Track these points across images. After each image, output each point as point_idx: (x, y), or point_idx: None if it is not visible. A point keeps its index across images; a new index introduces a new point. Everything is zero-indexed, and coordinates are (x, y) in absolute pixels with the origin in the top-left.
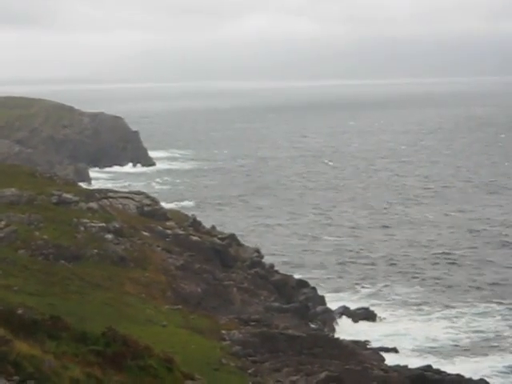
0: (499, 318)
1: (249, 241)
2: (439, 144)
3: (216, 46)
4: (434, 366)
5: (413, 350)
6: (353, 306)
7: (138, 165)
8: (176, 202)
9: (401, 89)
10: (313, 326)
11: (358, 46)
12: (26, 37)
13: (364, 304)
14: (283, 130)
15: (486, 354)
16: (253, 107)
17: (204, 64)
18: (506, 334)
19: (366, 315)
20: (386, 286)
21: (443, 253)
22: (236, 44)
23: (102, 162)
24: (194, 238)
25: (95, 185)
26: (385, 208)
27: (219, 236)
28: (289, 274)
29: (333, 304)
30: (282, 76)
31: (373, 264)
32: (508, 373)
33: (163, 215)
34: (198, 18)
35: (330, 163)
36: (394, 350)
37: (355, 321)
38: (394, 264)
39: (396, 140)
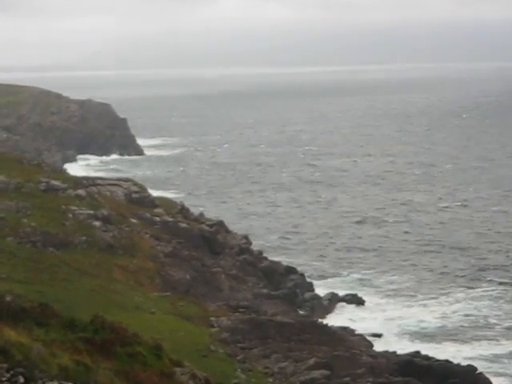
0: (489, 304)
1: (237, 227)
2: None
3: (192, 32)
4: (423, 352)
5: (401, 336)
6: (341, 293)
7: (126, 152)
8: (164, 189)
9: (376, 75)
10: (301, 312)
11: (335, 33)
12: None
13: (353, 290)
14: (264, 116)
15: (475, 341)
16: (235, 93)
17: (179, 51)
18: (495, 320)
19: (355, 301)
20: (374, 272)
21: (433, 239)
22: (211, 30)
23: (90, 148)
24: (183, 224)
25: (83, 172)
26: (374, 194)
27: (207, 223)
28: (277, 260)
29: (321, 290)
30: (255, 62)
31: (362, 250)
32: (496, 359)
33: (151, 202)
34: (172, 3)
35: (307, 148)
36: (383, 336)
37: (344, 307)
38: (383, 250)
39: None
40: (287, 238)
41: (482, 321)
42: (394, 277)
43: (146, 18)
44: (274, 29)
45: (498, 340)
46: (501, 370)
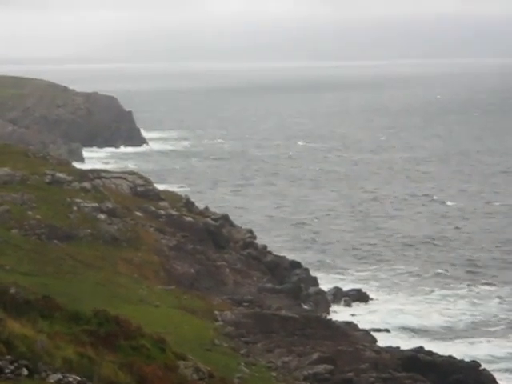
0: (495, 301)
1: (241, 221)
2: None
3: (200, 25)
4: (426, 348)
5: (405, 332)
6: (345, 287)
7: (131, 145)
8: (169, 183)
9: (376, 71)
10: (305, 306)
11: (341, 27)
12: (7, 16)
13: (357, 285)
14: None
15: (479, 336)
16: (239, 88)
17: (188, 44)
18: (497, 316)
19: (359, 296)
20: (379, 267)
21: (437, 234)
22: (219, 24)
23: (95, 142)
24: (188, 218)
25: (88, 165)
26: (374, 189)
27: (212, 217)
28: (281, 255)
29: (325, 285)
30: (263, 57)
31: (367, 245)
32: (499, 355)
33: (156, 195)
34: None
35: (308, 143)
36: (386, 331)
37: (348, 302)
38: (387, 245)
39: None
40: (291, 232)
41: (485, 316)
42: (399, 272)
43: (154, 11)
44: (275, 24)
45: (501, 336)
46: (504, 367)
